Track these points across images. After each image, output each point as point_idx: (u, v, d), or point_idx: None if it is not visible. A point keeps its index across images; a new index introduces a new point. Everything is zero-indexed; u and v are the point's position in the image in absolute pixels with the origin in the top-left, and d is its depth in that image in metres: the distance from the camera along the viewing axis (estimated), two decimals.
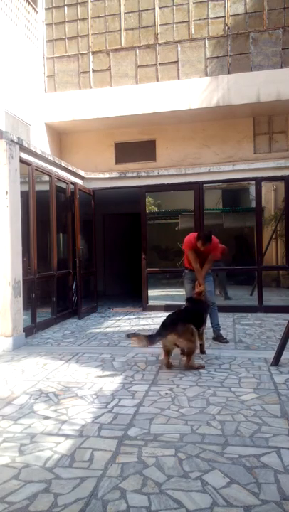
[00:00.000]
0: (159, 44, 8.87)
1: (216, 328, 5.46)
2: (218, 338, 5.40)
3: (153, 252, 10.56)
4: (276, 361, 4.30)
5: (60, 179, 7.25)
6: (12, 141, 5.47)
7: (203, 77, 8.57)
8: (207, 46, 8.66)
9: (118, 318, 7.49)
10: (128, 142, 9.58)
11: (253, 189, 8.69)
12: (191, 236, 5.32)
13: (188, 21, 8.73)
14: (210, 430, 2.84)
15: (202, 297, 4.90)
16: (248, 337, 5.67)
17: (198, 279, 5.17)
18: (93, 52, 9.19)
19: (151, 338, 4.21)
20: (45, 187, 6.84)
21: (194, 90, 8.49)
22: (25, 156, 5.94)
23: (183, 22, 8.76)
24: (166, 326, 4.26)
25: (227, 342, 5.32)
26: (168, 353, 4.33)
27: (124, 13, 9.01)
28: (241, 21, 8.54)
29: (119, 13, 9.03)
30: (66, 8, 9.29)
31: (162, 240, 12.18)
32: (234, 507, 2.01)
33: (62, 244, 7.86)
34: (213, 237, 5.24)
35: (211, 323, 5.41)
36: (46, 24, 9.39)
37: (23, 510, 2.04)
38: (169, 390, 3.64)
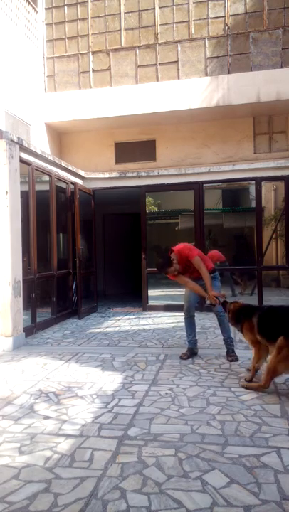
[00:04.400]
0: (159, 44, 8.87)
1: (228, 342, 4.66)
2: (228, 353, 4.62)
3: (153, 251, 10.56)
4: None
5: (60, 179, 7.25)
6: (12, 141, 5.47)
7: (203, 77, 8.56)
8: (207, 46, 8.66)
9: (118, 318, 7.49)
10: (128, 142, 9.58)
11: (253, 189, 8.70)
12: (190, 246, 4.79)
13: (188, 21, 8.72)
14: (210, 430, 2.84)
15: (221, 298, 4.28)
16: None
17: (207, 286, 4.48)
18: (93, 52, 9.18)
19: None
20: (45, 187, 6.84)
21: (194, 90, 8.49)
22: (25, 156, 5.94)
23: (183, 22, 8.76)
24: None
25: (236, 360, 4.52)
26: None
27: (124, 13, 9.00)
28: (241, 21, 8.54)
29: (119, 13, 9.02)
30: (66, 8, 9.29)
31: (162, 239, 12.18)
32: (234, 507, 2.01)
33: (63, 244, 7.86)
34: (180, 248, 4.66)
35: (222, 335, 4.77)
36: (46, 24, 9.39)
37: (23, 510, 2.04)
38: (169, 389, 3.64)
